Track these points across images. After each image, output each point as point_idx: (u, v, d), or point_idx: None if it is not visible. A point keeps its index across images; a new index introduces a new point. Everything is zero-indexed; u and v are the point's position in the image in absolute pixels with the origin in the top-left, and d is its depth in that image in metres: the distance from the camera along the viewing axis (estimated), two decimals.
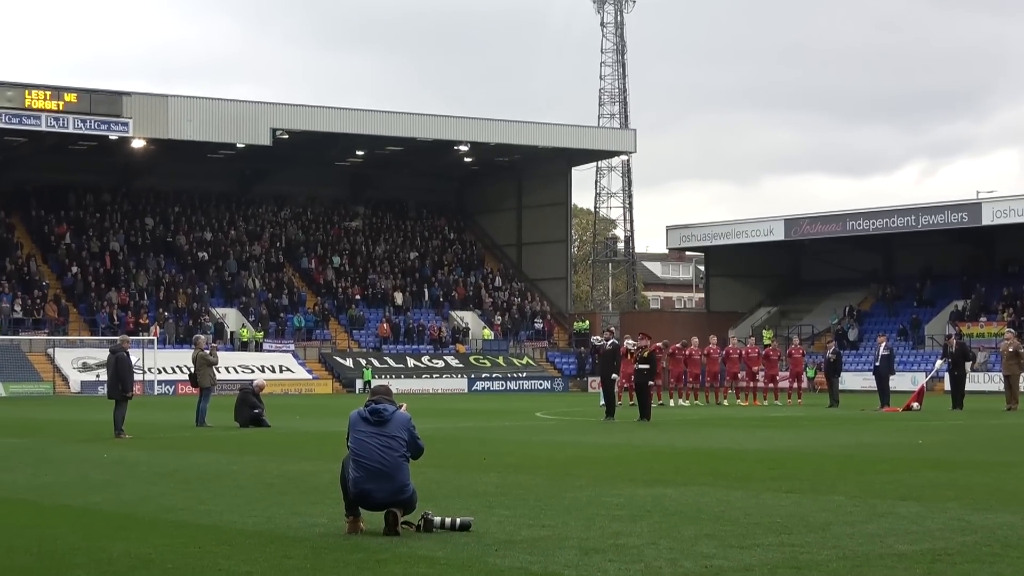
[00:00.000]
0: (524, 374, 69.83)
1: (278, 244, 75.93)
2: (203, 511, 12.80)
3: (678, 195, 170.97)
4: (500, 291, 78.38)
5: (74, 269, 67.93)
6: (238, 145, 68.55)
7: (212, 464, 18.37)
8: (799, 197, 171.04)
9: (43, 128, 62.39)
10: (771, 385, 43.95)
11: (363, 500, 11.14)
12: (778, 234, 71.40)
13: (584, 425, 29.77)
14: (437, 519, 11.19)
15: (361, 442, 11.19)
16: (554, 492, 14.14)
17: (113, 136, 64.59)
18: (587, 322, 75.02)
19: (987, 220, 63.56)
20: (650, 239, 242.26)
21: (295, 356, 66.64)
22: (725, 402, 42.72)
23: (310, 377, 65.34)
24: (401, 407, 11.54)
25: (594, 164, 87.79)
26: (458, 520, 11.21)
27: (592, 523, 11.58)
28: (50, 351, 62.16)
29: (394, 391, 11.98)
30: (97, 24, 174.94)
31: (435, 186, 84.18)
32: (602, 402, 33.49)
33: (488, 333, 73.59)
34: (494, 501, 13.32)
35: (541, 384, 69.17)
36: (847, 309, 71.46)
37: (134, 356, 27.42)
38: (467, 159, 77.39)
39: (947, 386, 41.84)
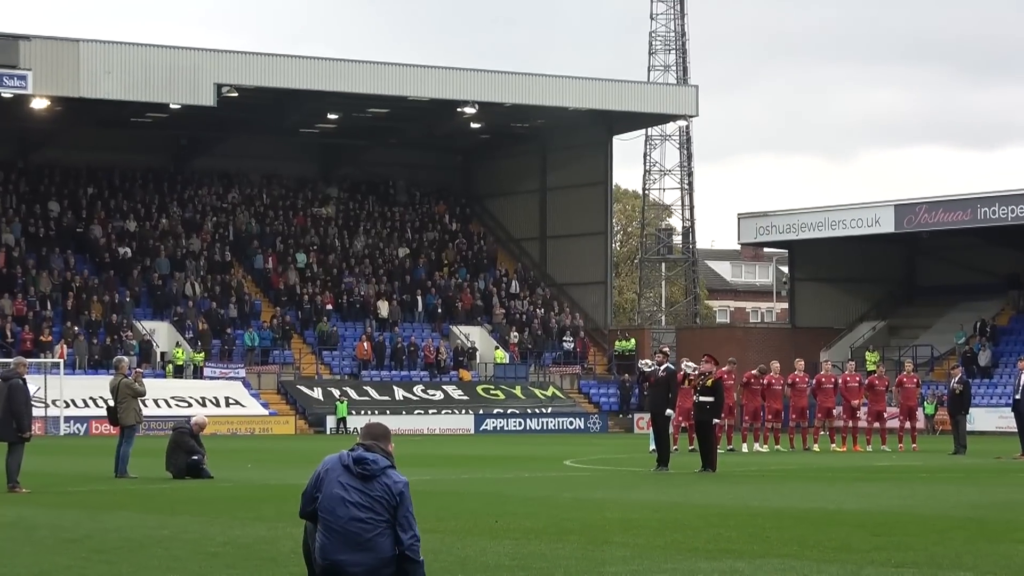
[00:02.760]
0: (549, 409, 69.84)
1: (224, 234, 76.13)
2: None
3: (753, 173, 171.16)
4: (518, 299, 78.43)
5: None
6: (172, 106, 68.64)
7: (136, 527, 18.39)
8: (911, 176, 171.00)
9: None
10: (876, 425, 43.91)
11: (334, 575, 11.14)
12: (886, 225, 71.19)
13: (628, 477, 29.81)
14: None
15: (334, 497, 11.16)
16: (588, 565, 14.15)
17: (7, 94, 64.69)
18: (633, 341, 75.03)
19: None
20: (716, 231, 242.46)
21: (246, 385, 66.74)
22: (815, 447, 42.72)
23: (266, 413, 65.45)
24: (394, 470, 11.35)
25: (642, 132, 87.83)
26: None
27: None
28: None
29: None
30: None
31: (432, 161, 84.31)
32: (652, 447, 33.47)
33: (502, 355, 73.64)
34: None
35: (571, 423, 69.18)
36: (977, 324, 71.30)
37: (33, 385, 27.46)
38: (474, 125, 77.45)
39: None
